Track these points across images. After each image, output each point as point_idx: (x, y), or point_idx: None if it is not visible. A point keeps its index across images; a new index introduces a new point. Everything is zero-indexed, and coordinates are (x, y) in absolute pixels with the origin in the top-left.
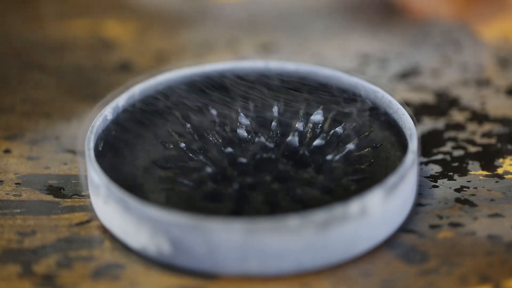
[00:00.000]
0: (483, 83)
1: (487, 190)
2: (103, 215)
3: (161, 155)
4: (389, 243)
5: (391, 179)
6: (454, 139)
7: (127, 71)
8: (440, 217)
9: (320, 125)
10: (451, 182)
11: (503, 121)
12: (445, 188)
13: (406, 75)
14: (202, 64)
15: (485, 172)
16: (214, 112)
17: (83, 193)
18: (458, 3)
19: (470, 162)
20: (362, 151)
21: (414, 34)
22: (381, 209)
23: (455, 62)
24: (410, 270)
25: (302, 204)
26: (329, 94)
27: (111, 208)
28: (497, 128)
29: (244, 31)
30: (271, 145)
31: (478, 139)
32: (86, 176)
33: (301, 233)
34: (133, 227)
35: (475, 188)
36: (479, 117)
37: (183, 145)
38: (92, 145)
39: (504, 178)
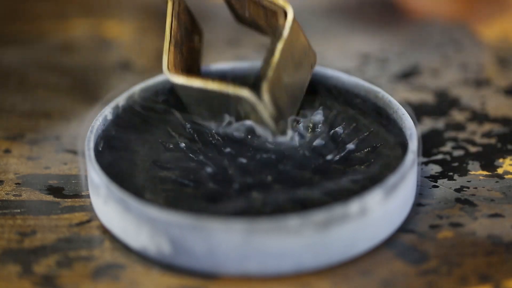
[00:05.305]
0: (483, 83)
1: (487, 190)
2: (103, 215)
3: (161, 155)
4: (389, 243)
5: (391, 179)
6: (454, 139)
7: (127, 71)
8: (440, 217)
9: (320, 125)
10: (451, 182)
11: (503, 121)
12: (445, 188)
13: (406, 75)
14: (201, 64)
15: (485, 172)
16: None
17: (83, 193)
18: (458, 3)
19: (470, 162)
20: (362, 151)
21: (414, 34)
22: (381, 209)
23: (455, 62)
24: (410, 270)
25: (302, 204)
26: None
27: (111, 208)
28: (497, 128)
29: (244, 31)
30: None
31: (478, 139)
32: (86, 176)
33: (301, 233)
34: (133, 227)
35: (475, 188)
36: (479, 117)
37: (183, 145)
38: (92, 145)
39: (504, 178)
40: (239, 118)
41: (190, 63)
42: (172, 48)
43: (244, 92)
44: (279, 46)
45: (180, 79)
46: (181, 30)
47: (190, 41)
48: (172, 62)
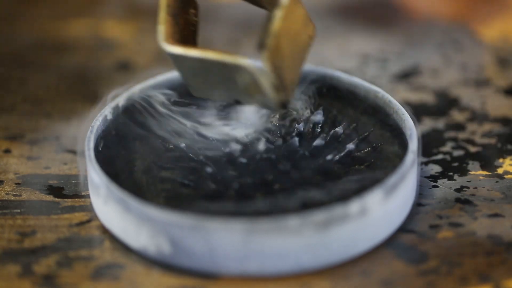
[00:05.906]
0: (483, 83)
1: (487, 190)
2: (103, 215)
3: (161, 155)
4: (389, 243)
5: (391, 179)
6: (454, 139)
7: (127, 71)
8: (440, 217)
9: (320, 125)
10: (451, 182)
11: (503, 121)
12: (445, 188)
13: (406, 75)
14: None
15: (485, 172)
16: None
17: (83, 193)
18: (458, 3)
19: (470, 162)
20: (362, 151)
21: (414, 34)
22: (381, 209)
23: (455, 62)
24: (410, 270)
25: (302, 204)
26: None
27: (111, 208)
28: (497, 128)
29: (244, 31)
30: (271, 145)
31: (478, 139)
32: (86, 176)
33: (301, 233)
34: (133, 227)
35: (475, 188)
36: (479, 117)
37: (183, 145)
38: (92, 145)
39: (504, 178)
40: (238, 91)
41: (186, 34)
42: (168, 17)
43: (244, 61)
44: (278, 13)
45: (177, 49)
46: (177, 0)
47: (186, 13)
48: (169, 33)
